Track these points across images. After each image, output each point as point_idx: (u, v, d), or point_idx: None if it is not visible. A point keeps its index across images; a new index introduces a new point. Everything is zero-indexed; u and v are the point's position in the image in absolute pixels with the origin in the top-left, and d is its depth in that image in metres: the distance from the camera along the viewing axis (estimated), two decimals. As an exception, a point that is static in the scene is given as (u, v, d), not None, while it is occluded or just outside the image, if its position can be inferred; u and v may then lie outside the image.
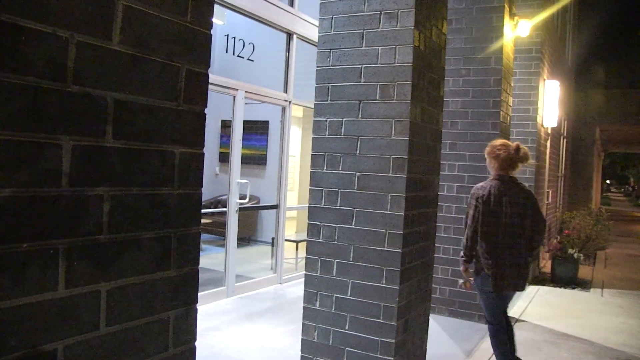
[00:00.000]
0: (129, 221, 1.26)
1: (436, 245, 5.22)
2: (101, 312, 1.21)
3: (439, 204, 5.20)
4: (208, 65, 1.47)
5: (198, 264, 1.47)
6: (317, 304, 3.35)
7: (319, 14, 3.33)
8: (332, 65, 3.31)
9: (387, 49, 3.11)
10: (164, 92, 1.33)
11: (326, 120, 3.34)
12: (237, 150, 5.88)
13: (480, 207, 3.73)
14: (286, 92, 6.36)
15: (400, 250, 3.09)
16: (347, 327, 3.23)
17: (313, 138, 3.42)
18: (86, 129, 1.14)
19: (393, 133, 3.11)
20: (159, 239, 1.34)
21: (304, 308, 3.42)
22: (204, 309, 5.33)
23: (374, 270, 3.16)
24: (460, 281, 4.14)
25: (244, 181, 6.02)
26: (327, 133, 3.34)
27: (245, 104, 6.02)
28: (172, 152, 1.36)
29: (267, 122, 9.12)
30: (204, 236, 8.94)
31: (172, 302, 1.39)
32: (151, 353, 1.33)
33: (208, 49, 1.46)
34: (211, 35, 1.48)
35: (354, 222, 3.25)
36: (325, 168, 3.35)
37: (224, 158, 8.60)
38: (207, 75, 1.47)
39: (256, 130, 9.27)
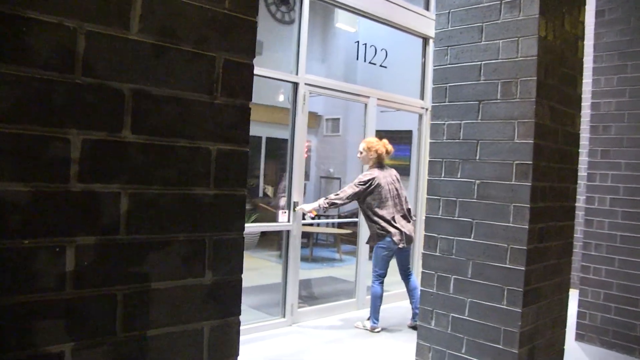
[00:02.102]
0: (152, 222, 1.17)
1: (585, 264, 4.62)
2: (117, 316, 1.13)
3: (588, 218, 4.60)
4: (252, 55, 1.35)
5: (240, 273, 1.35)
6: (433, 323, 3.08)
7: (435, 9, 3.09)
8: (449, 64, 3.04)
9: (508, 42, 2.78)
10: (195, 84, 1.23)
11: (444, 124, 3.08)
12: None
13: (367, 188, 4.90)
14: (423, 99, 6.12)
15: (523, 268, 2.72)
16: (463, 351, 2.92)
17: (430, 143, 3.17)
18: (98, 123, 1.08)
19: (516, 136, 2.76)
20: (190, 243, 1.24)
21: (419, 327, 3.17)
22: (331, 320, 5.26)
23: (494, 289, 2.82)
24: (309, 216, 5.28)
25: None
26: (444, 137, 3.08)
27: (381, 112, 5.89)
28: (206, 149, 1.26)
29: (410, 132, 8.88)
30: (344, 247, 8.93)
31: (206, 312, 1.29)
32: (179, 364, 1.24)
33: (252, 38, 1.35)
34: (256, 22, 1.37)
35: (473, 234, 2.93)
36: (442, 175, 3.08)
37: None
38: (252, 66, 1.35)
39: (400, 140, 9.08)
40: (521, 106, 2.73)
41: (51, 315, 1.04)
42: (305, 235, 8.77)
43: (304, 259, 8.43)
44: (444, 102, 3.06)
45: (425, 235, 3.17)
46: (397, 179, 5.15)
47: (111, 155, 1.11)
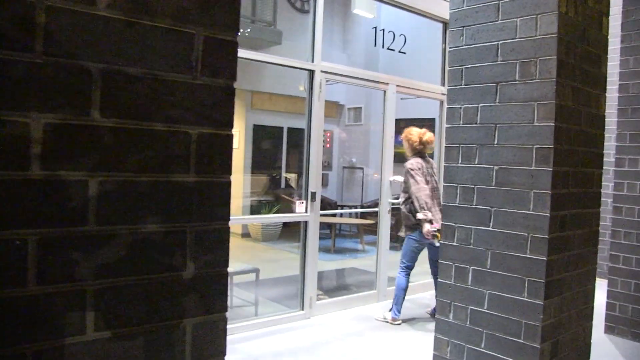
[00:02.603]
0: (126, 211, 1.09)
1: (615, 253, 4.43)
2: (87, 314, 1.06)
3: (616, 205, 4.40)
4: (236, 31, 1.25)
5: (225, 266, 1.26)
6: (451, 316, 2.96)
7: (450, -12, 2.95)
8: (465, 45, 2.90)
9: (526, 19, 2.62)
10: (173, 63, 1.14)
11: (460, 108, 2.94)
12: (389, 148, 5.63)
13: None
14: (444, 85, 5.94)
15: (545, 258, 2.58)
16: (482, 346, 2.79)
17: (446, 128, 3.04)
18: (62, 105, 1.00)
19: (535, 118, 2.61)
20: (168, 234, 1.16)
21: (436, 319, 3.05)
22: (351, 313, 5.16)
23: (514, 280, 2.69)
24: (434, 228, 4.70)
25: (400, 179, 5.70)
26: (461, 122, 2.94)
27: (401, 99, 5.75)
28: (186, 133, 1.17)
29: (433, 120, 8.72)
30: (367, 237, 8.82)
31: (188, 309, 1.20)
32: (158, 364, 1.16)
33: (235, 13, 1.25)
34: (240, -5, 1.27)
35: (491, 223, 2.80)
36: (459, 161, 2.95)
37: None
38: (236, 44, 1.25)
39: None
40: (541, 87, 2.58)
41: (12, 314, 0.97)
42: (327, 226, 8.70)
43: (326, 250, 8.37)
44: (460, 85, 2.92)
45: (442, 224, 3.04)
46: (436, 172, 5.09)
47: (77, 140, 1.03)
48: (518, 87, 2.67)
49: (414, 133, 4.97)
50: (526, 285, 2.64)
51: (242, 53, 4.33)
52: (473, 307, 2.86)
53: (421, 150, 4.95)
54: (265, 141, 9.94)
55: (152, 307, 1.14)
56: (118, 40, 1.06)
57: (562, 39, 2.54)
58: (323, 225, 8.71)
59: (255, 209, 9.36)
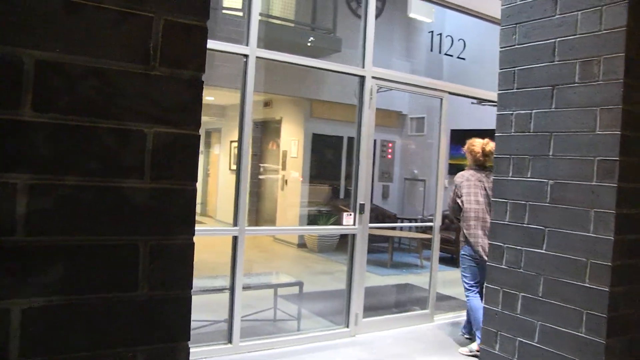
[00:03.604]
0: (64, 220, 0.93)
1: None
2: (11, 337, 0.91)
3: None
4: (205, 15, 1.08)
5: (188, 288, 1.08)
6: (497, 348, 2.65)
7: (502, -19, 2.67)
8: (518, 44, 2.61)
9: (588, 13, 2.31)
10: (124, 51, 0.98)
11: (512, 114, 2.65)
12: (443, 160, 5.33)
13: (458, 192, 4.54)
14: (508, 93, 5.57)
15: (607, 289, 2.23)
16: (532, 384, 2.47)
17: (496, 137, 2.75)
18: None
19: (598, 126, 2.28)
20: (117, 248, 0.99)
21: (481, 350, 2.75)
22: (399, 333, 4.86)
23: (570, 312, 2.35)
24: None
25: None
26: (512, 130, 2.65)
27: (471, 104, 5.44)
28: (139, 132, 1.01)
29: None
30: (426, 252, 8.46)
31: (139, 335, 1.02)
32: (100, 402, 0.99)
33: (204, -7, 1.08)
34: (210, -27, 1.09)
35: (545, 245, 2.48)
36: (510, 174, 2.65)
37: (452, 170, 7.98)
38: (204, 29, 1.08)
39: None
40: (605, 90, 2.26)
41: None
42: (385, 239, 8.42)
43: (382, 264, 8.09)
44: (512, 88, 2.63)
45: (490, 244, 2.75)
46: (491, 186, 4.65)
47: (3, 137, 0.89)
48: (578, 90, 2.35)
49: (477, 144, 4.59)
50: (584, 319, 2.30)
51: (286, 57, 4.20)
52: (522, 340, 2.54)
53: (483, 162, 4.54)
54: (325, 150, 9.79)
55: (95, 333, 0.98)
56: (56, 23, 0.92)
57: (632, 32, 2.20)
58: (381, 239, 8.43)
59: (312, 219, 9.21)
